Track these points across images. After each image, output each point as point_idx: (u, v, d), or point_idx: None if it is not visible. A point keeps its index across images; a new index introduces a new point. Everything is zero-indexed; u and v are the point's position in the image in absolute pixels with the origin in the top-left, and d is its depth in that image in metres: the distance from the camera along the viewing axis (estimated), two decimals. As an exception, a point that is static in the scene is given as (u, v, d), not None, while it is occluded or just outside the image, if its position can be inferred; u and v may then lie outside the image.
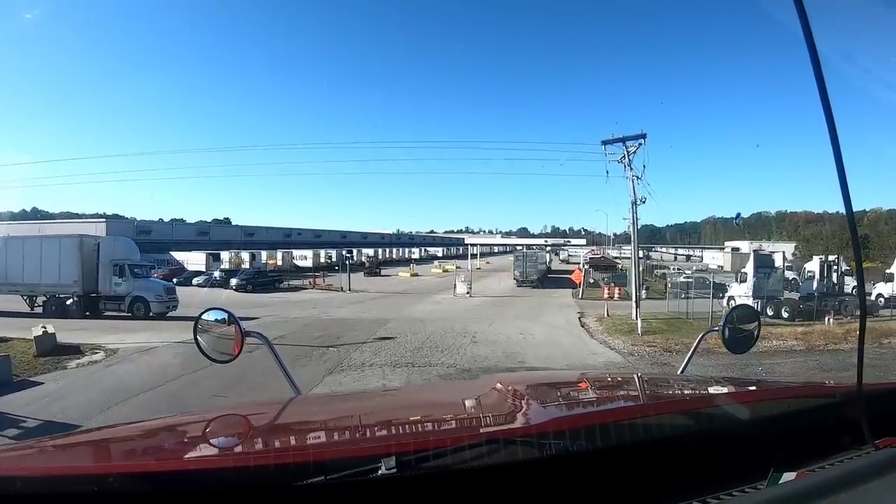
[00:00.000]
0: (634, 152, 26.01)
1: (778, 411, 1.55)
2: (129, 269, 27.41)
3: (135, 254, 29.63)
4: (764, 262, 30.17)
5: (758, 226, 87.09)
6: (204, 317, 2.36)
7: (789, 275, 33.96)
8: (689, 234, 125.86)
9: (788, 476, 1.20)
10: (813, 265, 31.39)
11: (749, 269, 30.07)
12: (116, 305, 27.05)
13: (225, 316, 2.37)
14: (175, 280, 46.77)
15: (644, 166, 26.19)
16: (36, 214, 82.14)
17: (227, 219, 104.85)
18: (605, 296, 36.75)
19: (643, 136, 26.01)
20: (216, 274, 46.14)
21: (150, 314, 26.55)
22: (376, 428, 1.68)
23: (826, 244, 52.82)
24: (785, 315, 27.76)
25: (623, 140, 26.27)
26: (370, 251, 78.30)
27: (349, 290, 40.57)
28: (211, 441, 1.63)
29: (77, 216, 76.62)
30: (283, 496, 1.11)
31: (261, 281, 43.40)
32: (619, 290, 37.34)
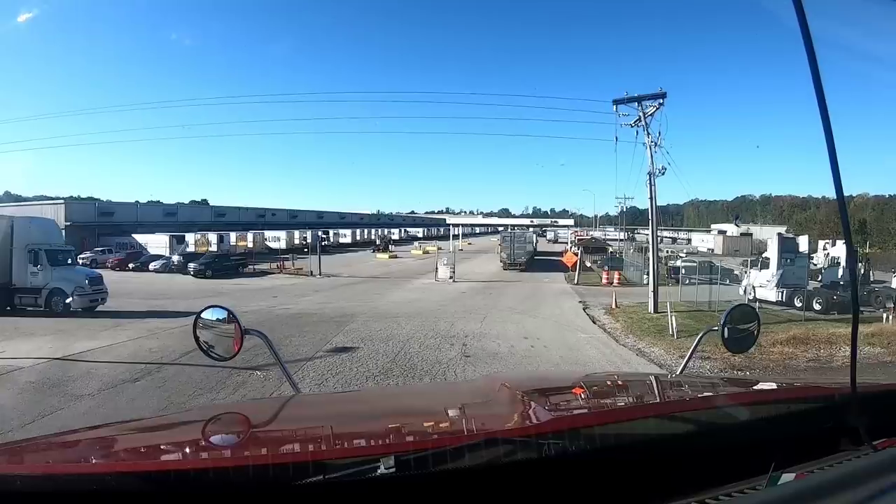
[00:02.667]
0: (652, 114, 20.87)
1: (776, 412, 1.47)
2: (47, 255, 21.61)
3: (55, 237, 23.75)
4: (788, 247, 25.45)
5: (742, 209, 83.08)
6: (203, 315, 2.21)
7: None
8: (672, 217, 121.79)
9: (787, 477, 1.14)
10: (838, 251, 26.90)
11: (772, 254, 25.34)
12: (33, 299, 21.23)
13: (225, 314, 2.21)
14: (131, 265, 41.28)
15: (660, 133, 21.12)
16: (8, 198, 75.02)
17: (205, 200, 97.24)
18: (604, 281, 32.00)
19: (662, 96, 20.86)
20: (174, 258, 40.19)
21: (71, 309, 20.87)
22: (375, 427, 1.64)
23: (821, 229, 48.74)
24: (817, 307, 23.06)
25: (638, 99, 21.09)
26: (347, 231, 72.57)
27: (319, 274, 35.08)
28: (210, 440, 1.56)
29: (51, 199, 69.62)
30: (281, 495, 1.06)
31: (222, 265, 37.57)
32: (619, 275, 32.48)
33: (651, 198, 20.84)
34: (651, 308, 20.44)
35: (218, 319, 2.23)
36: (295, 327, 15.48)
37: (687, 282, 26.24)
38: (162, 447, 1.54)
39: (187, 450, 1.48)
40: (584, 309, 21.76)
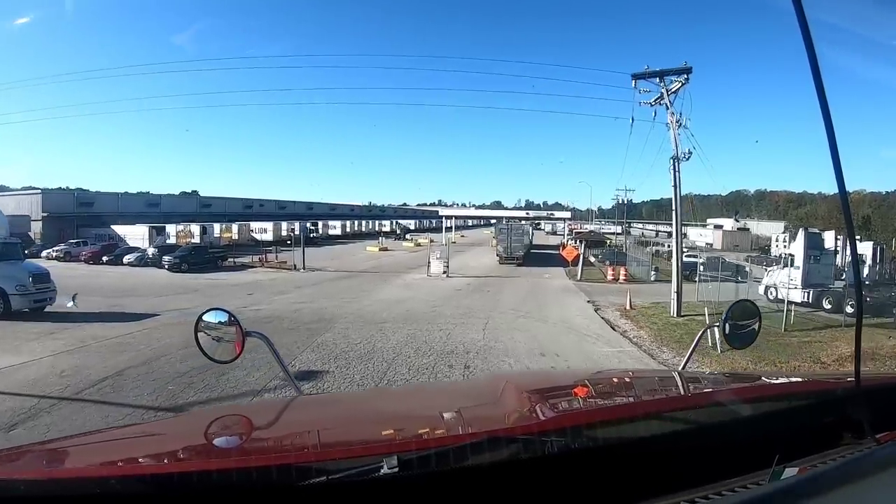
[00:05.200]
0: (675, 91, 17.86)
1: (779, 407, 1.47)
2: (-14, 249, 18.38)
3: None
4: (813, 244, 22.61)
5: (737, 204, 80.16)
6: (204, 317, 2.14)
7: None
8: (666, 211, 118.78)
9: (790, 471, 1.11)
10: (864, 248, 24.15)
11: (797, 251, 22.48)
12: None
13: (226, 317, 2.14)
14: (105, 258, 37.79)
15: (681, 113, 18.10)
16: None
17: (195, 191, 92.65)
18: (609, 278, 29.12)
19: (687, 71, 17.84)
20: (149, 251, 36.65)
21: (13, 310, 17.62)
22: (378, 427, 1.55)
23: (823, 224, 46.08)
24: (849, 310, 20.26)
25: (660, 74, 18.08)
26: (337, 223, 69.07)
27: (303, 268, 31.87)
28: (213, 442, 1.52)
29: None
30: (285, 497, 1.03)
31: (200, 258, 34.13)
32: (625, 270, 29.58)
33: (675, 185, 17.88)
34: (674, 311, 17.57)
35: (220, 322, 2.13)
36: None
37: (697, 279, 23.53)
38: (165, 450, 1.45)
39: (190, 452, 1.39)
40: (595, 310, 18.84)
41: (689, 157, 17.44)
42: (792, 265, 22.40)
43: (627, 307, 18.86)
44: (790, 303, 20.54)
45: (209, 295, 21.99)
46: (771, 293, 23.13)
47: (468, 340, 12.50)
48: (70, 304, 17.75)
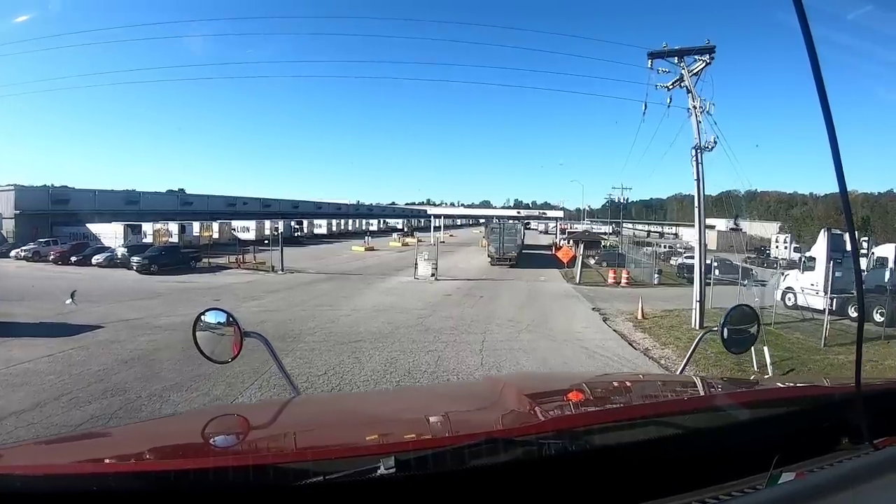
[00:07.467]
0: (698, 73, 15.31)
1: (777, 411, 1.40)
2: None
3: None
4: (836, 246, 20.22)
5: (728, 204, 78.41)
6: (203, 317, 2.07)
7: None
8: (655, 211, 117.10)
9: (788, 476, 1.08)
10: (886, 250, 21.89)
11: (819, 253, 20.10)
12: None
13: (224, 317, 2.08)
14: (73, 258, 34.58)
15: (702, 98, 15.55)
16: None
17: (182, 189, 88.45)
18: (611, 281, 26.60)
19: (710, 50, 15.29)
20: (119, 251, 33.46)
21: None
22: (376, 428, 1.50)
23: (821, 225, 44.13)
24: (878, 318, 17.91)
25: (680, 53, 15.54)
26: (323, 222, 65.91)
27: (282, 270, 28.97)
28: (210, 441, 1.46)
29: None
30: (282, 496, 1.00)
31: (172, 258, 31.12)
32: (626, 273, 27.04)
33: (697, 179, 15.29)
34: (695, 321, 15.03)
35: (219, 322, 2.07)
36: (193, 365, 9.44)
37: (710, 283, 21.13)
38: (162, 448, 1.40)
39: (188, 451, 1.37)
40: (604, 320, 16.30)
41: (713, 146, 14.91)
42: (812, 269, 20.07)
43: (639, 316, 16.35)
44: (814, 310, 18.35)
45: (171, 301, 19.10)
46: (789, 299, 20.78)
47: (463, 368, 9.81)
48: (68, 301, 16.17)
